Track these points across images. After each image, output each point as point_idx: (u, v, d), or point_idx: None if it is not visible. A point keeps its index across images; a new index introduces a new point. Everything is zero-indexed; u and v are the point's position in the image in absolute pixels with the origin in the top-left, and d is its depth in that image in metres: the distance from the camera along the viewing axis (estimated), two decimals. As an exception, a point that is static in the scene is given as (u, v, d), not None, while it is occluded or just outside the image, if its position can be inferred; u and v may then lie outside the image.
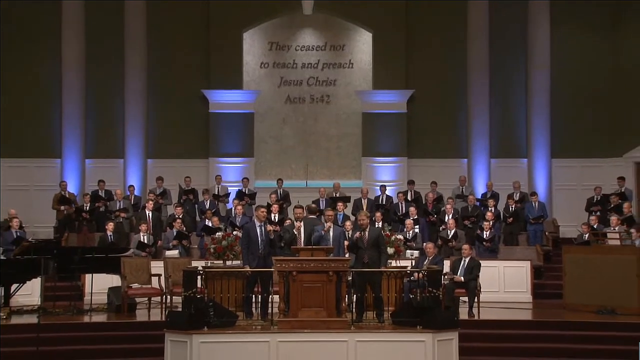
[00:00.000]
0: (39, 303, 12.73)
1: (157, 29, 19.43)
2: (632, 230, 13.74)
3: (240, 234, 13.24)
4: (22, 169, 19.04)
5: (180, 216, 15.72)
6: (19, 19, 19.19)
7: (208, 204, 16.89)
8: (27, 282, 12.60)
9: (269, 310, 10.66)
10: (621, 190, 16.73)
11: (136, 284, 12.94)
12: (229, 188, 18.01)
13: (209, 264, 13.14)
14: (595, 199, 16.93)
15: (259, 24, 19.95)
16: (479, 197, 17.63)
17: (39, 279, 12.78)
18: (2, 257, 13.08)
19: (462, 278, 12.67)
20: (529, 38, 19.35)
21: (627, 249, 13.15)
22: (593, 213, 16.20)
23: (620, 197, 16.38)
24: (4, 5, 19.05)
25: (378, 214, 15.52)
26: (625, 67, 19.39)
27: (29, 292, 12.97)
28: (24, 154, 19.03)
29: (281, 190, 17.38)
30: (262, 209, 11.52)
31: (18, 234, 14.32)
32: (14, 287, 12.35)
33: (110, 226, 15.14)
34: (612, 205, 16.07)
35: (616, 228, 14.05)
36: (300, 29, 20.18)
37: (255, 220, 11.34)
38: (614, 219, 14.52)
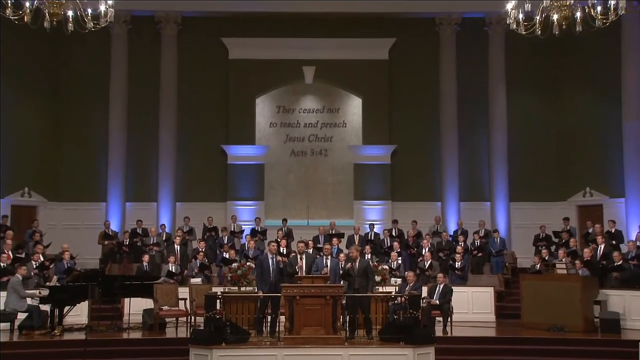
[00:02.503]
0: (86, 322, 12.67)
1: (185, 95, 19.63)
2: (577, 262, 13.80)
3: (252, 265, 13.24)
4: (74, 210, 19.11)
5: (203, 250, 15.77)
6: (75, 91, 19.48)
7: (226, 239, 16.92)
8: (77, 304, 12.61)
9: (277, 329, 10.65)
10: (567, 228, 16.77)
11: (166, 306, 12.94)
12: (243, 226, 18.05)
13: (226, 290, 13.10)
14: (540, 236, 16.96)
15: (269, 91, 20.16)
16: (451, 233, 17.66)
17: (86, 302, 12.75)
18: (57, 284, 13.09)
19: (438, 301, 12.68)
20: (490, 102, 19.51)
21: (572, 277, 13.16)
22: (540, 247, 16.17)
23: (569, 234, 16.42)
24: (64, 88, 19.39)
25: (367, 248, 15.52)
26: (568, 126, 19.50)
27: (78, 313, 12.92)
28: (76, 198, 19.18)
29: (285, 228, 17.39)
30: (274, 244, 11.63)
31: (69, 264, 14.31)
32: (66, 308, 12.33)
33: (145, 258, 15.15)
34: (563, 241, 16.07)
35: (563, 260, 14.06)
36: (303, 95, 20.37)
37: (268, 253, 11.40)
38: (561, 252, 14.55)
